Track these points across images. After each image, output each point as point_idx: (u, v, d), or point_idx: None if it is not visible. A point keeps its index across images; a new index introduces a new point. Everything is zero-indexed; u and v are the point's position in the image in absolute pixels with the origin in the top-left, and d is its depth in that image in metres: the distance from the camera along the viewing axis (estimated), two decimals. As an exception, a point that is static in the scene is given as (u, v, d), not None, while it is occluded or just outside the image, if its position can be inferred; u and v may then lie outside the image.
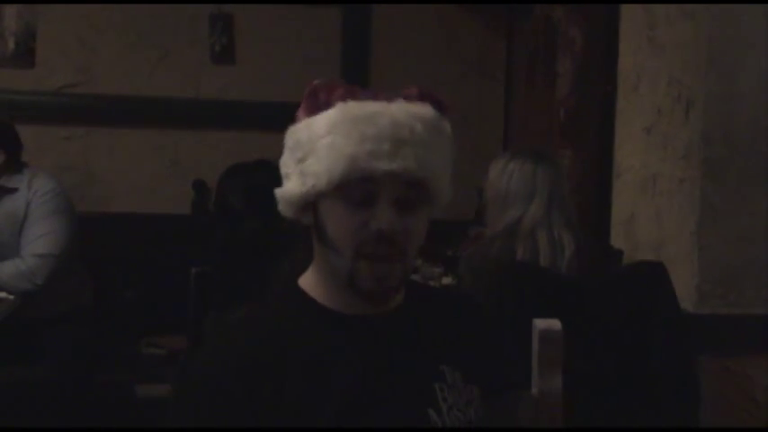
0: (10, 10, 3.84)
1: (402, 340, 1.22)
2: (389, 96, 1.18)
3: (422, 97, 1.19)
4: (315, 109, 1.18)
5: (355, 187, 1.13)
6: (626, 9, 2.74)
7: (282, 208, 1.22)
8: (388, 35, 4.10)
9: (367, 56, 4.07)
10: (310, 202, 1.18)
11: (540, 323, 1.40)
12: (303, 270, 1.26)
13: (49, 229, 2.90)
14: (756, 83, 2.26)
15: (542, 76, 3.62)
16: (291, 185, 1.18)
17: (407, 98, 1.18)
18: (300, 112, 1.20)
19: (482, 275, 2.11)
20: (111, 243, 3.66)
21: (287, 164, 1.20)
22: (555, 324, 1.39)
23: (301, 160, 1.17)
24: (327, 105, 1.17)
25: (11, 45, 3.85)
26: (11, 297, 2.80)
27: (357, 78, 3.92)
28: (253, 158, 3.57)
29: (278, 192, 1.21)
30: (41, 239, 2.88)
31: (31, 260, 2.84)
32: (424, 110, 1.18)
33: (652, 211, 2.51)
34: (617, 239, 2.74)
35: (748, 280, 2.28)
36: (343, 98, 1.16)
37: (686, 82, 2.33)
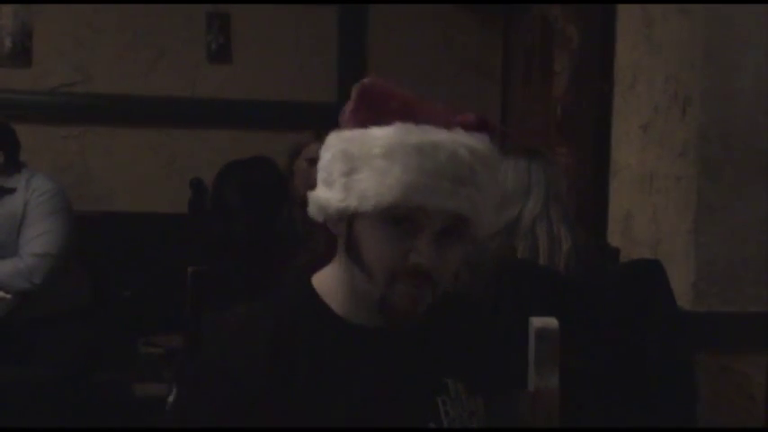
0: (6, 9, 3.83)
1: (406, 353, 1.21)
2: (448, 121, 1.14)
3: (479, 125, 1.16)
4: (369, 118, 1.14)
5: (402, 216, 1.11)
6: (623, 7, 2.74)
7: (313, 212, 1.18)
8: (384, 34, 4.10)
9: (363, 55, 4.07)
10: (348, 216, 1.14)
11: (537, 321, 1.40)
12: (318, 267, 1.24)
13: (47, 228, 2.91)
14: (753, 81, 2.26)
15: (539, 74, 3.62)
16: (331, 195, 1.14)
17: (466, 127, 1.14)
18: (350, 115, 1.16)
19: (480, 272, 2.10)
20: (108, 242, 3.66)
21: (330, 170, 1.15)
22: (551, 322, 1.39)
23: (348, 173, 1.12)
24: (383, 118, 1.12)
25: (7, 44, 3.84)
26: (8, 296, 2.80)
27: (353, 78, 3.91)
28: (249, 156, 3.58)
29: (312, 195, 1.18)
30: (39, 239, 2.88)
31: (30, 259, 2.85)
32: (483, 144, 1.15)
33: (649, 208, 2.52)
34: (614, 237, 2.74)
35: (745, 278, 2.28)
36: (402, 115, 1.12)
37: (683, 80, 2.34)
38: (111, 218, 3.81)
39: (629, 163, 2.67)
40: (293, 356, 1.15)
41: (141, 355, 3.46)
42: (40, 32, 3.87)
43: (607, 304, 2.04)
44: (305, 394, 1.13)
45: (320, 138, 1.26)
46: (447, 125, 1.13)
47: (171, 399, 2.05)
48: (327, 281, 1.22)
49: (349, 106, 1.16)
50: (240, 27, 4.00)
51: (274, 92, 3.93)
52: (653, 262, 2.13)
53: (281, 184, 3.01)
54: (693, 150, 2.28)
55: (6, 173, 2.96)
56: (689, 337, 2.09)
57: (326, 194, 1.15)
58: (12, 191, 2.95)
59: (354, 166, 1.12)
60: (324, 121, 1.37)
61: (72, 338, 2.95)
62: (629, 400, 2.02)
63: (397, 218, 1.11)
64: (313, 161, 1.48)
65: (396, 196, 1.09)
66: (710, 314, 2.26)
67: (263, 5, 3.98)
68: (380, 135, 1.11)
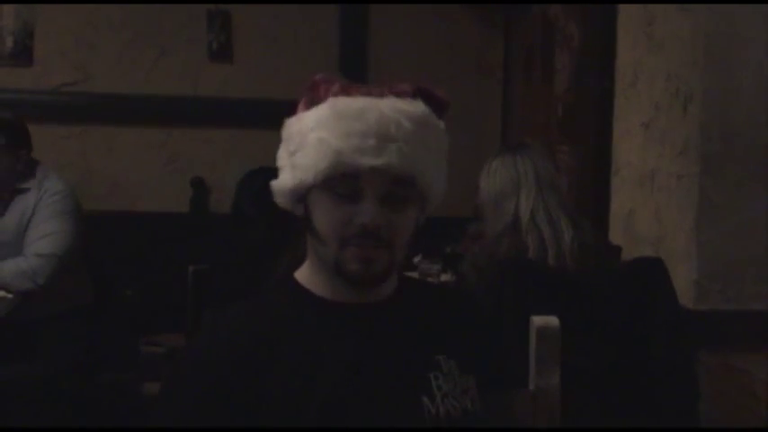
0: (7, 8, 3.84)
1: (397, 329, 1.23)
2: (381, 92, 1.19)
3: (416, 94, 1.20)
4: (312, 104, 1.20)
5: (341, 182, 1.15)
6: (624, 5, 2.74)
7: (278, 199, 1.24)
8: (385, 32, 4.10)
9: (364, 54, 4.07)
10: (301, 195, 1.20)
11: (538, 320, 1.40)
12: (300, 265, 1.27)
13: (54, 229, 2.90)
14: (754, 78, 2.25)
15: (540, 72, 3.62)
16: (284, 178, 1.21)
17: (399, 94, 1.19)
18: (300, 106, 1.22)
19: (487, 274, 2.10)
20: (109, 241, 3.66)
21: (281, 156, 1.23)
22: (552, 321, 1.39)
23: (292, 153, 1.19)
24: (322, 101, 1.18)
25: (9, 44, 3.84)
26: (9, 296, 2.80)
27: (355, 76, 3.92)
28: (251, 157, 3.59)
29: (273, 183, 1.24)
30: (45, 239, 2.87)
31: (33, 259, 2.84)
32: (414, 106, 1.18)
33: (651, 206, 2.51)
34: (616, 235, 2.73)
35: (747, 275, 2.28)
36: (337, 94, 1.18)
37: (684, 78, 2.33)
38: (113, 217, 3.81)
39: (631, 161, 2.66)
40: (285, 339, 1.17)
41: (143, 354, 3.46)
42: (41, 32, 3.87)
43: (609, 302, 2.04)
44: (296, 375, 1.14)
45: None
46: (379, 95, 1.18)
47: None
48: (307, 271, 1.25)
49: (301, 101, 1.22)
50: (241, 26, 4.00)
51: (276, 90, 3.93)
52: (655, 260, 2.12)
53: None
54: (695, 148, 2.27)
55: (26, 173, 2.96)
56: (691, 335, 2.09)
57: (281, 179, 1.22)
58: (26, 191, 2.95)
59: (297, 145, 1.18)
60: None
61: (74, 338, 2.95)
62: (632, 399, 2.02)
63: (339, 185, 1.15)
64: None
65: (330, 162, 1.14)
66: (713, 312, 2.25)
67: (265, 4, 3.98)
68: (315, 112, 1.18)
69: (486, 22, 4.18)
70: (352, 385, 1.15)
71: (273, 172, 1.24)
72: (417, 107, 1.19)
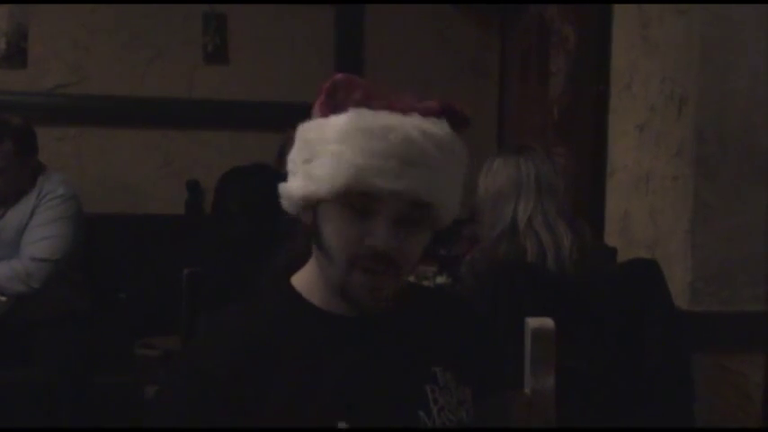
0: (1, 10, 3.82)
1: (393, 341, 1.22)
2: (406, 107, 1.15)
3: (442, 112, 1.16)
4: (331, 108, 1.15)
5: (356, 199, 1.11)
6: (619, 7, 2.75)
7: (284, 203, 1.21)
8: (381, 34, 4.10)
9: (360, 55, 4.07)
10: (311, 204, 1.16)
11: (533, 322, 1.40)
12: (297, 268, 1.26)
13: (51, 233, 2.89)
14: (749, 81, 2.26)
15: (536, 74, 3.62)
16: (295, 184, 1.17)
17: (425, 112, 1.15)
18: (317, 108, 1.17)
19: (485, 278, 2.09)
20: (104, 244, 3.65)
21: (294, 161, 1.18)
22: (547, 323, 1.39)
23: (307, 161, 1.15)
24: (343, 107, 1.14)
25: (2, 45, 3.83)
26: (3, 298, 2.79)
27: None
28: (246, 159, 3.57)
29: (282, 187, 1.20)
30: (41, 243, 2.86)
31: (28, 263, 2.83)
32: (440, 128, 1.15)
33: (646, 209, 2.52)
34: (611, 237, 2.74)
35: (742, 277, 2.28)
36: (359, 103, 1.13)
37: (679, 80, 2.33)
38: (107, 219, 3.80)
39: (626, 163, 2.67)
40: (282, 349, 1.16)
41: (138, 357, 3.46)
42: (35, 33, 3.86)
43: (604, 304, 2.04)
44: (293, 387, 1.13)
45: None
46: (404, 111, 1.14)
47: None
48: (306, 278, 1.23)
49: (318, 100, 1.17)
50: (237, 28, 4.00)
51: (271, 92, 3.93)
52: (650, 262, 2.13)
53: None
54: (689, 150, 2.27)
55: (33, 175, 2.96)
56: (686, 336, 2.09)
57: (292, 184, 1.18)
58: (27, 193, 2.95)
59: (312, 153, 1.14)
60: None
61: (68, 341, 2.94)
62: (627, 400, 2.02)
63: (353, 202, 1.12)
64: None
65: (347, 179, 1.10)
66: (707, 314, 2.25)
67: (260, 6, 3.98)
68: (335, 122, 1.13)
69: (483, 25, 4.18)
70: (348, 399, 1.14)
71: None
72: (442, 128, 1.15)
